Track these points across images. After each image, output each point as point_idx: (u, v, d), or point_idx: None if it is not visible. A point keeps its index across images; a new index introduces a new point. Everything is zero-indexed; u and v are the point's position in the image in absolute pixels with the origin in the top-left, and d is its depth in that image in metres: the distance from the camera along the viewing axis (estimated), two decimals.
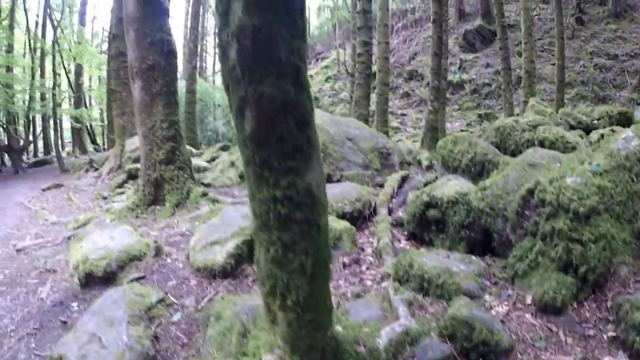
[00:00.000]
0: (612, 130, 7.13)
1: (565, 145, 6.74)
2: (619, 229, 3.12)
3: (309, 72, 29.06)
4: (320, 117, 7.63)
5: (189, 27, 17.08)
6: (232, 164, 9.96)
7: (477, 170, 5.71)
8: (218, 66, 34.06)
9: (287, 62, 1.70)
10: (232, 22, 1.66)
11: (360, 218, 5.45)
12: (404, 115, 20.58)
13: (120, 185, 8.93)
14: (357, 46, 13.57)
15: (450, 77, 20.27)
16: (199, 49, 23.47)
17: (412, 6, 28.88)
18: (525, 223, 3.65)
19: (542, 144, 6.89)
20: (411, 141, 18.66)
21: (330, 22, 33.62)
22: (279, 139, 1.78)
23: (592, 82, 17.68)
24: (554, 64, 19.63)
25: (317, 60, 29.73)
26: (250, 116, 1.76)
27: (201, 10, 21.89)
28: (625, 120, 8.70)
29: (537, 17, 22.90)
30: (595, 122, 8.95)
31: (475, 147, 6.02)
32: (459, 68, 21.02)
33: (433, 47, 11.87)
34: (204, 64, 32.46)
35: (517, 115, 13.03)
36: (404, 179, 6.88)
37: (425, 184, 6.10)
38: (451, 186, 4.84)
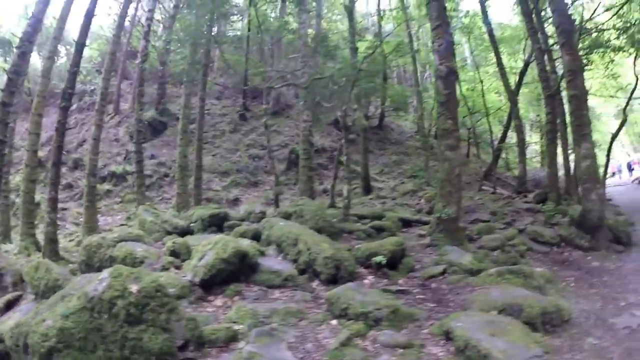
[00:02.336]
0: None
1: (134, 261, 6.79)
2: (84, 358, 3.50)
3: None
4: None
5: None
6: None
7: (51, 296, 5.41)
8: None
9: None
10: None
11: None
12: (65, 209, 17.87)
13: None
14: None
15: (114, 167, 18.72)
16: None
17: (92, 87, 26.39)
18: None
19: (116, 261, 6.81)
20: (68, 240, 16.14)
21: None
22: None
23: (246, 170, 18.66)
24: (214, 155, 20.22)
25: None
26: None
27: None
28: (218, 221, 8.57)
29: (207, 111, 23.74)
30: (192, 224, 8.49)
31: (50, 273, 6.07)
32: (124, 158, 19.67)
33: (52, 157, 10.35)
34: None
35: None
36: (11, 304, 6.48)
37: None
38: (12, 319, 4.90)
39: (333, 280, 5.83)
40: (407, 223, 10.88)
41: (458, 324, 4.25)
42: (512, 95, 16.94)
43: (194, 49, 16.38)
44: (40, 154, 19.41)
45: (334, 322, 4.54)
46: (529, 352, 3.76)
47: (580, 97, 9.61)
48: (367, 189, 16.16)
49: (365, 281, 6.32)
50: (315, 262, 5.93)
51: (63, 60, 28.84)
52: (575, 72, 9.71)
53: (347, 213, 9.08)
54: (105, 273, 4.04)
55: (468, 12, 18.41)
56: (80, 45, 10.46)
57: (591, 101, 29.06)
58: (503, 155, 22.80)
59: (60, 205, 18.17)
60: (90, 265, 7.12)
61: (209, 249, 5.67)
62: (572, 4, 16.11)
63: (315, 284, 5.91)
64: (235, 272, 5.64)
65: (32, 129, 14.12)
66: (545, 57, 15.35)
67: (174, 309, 4.07)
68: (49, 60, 14.24)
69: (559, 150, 15.70)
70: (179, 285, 5.44)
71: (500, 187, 17.80)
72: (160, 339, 3.75)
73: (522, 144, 16.79)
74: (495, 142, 21.13)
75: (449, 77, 8.79)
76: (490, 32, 17.49)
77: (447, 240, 8.15)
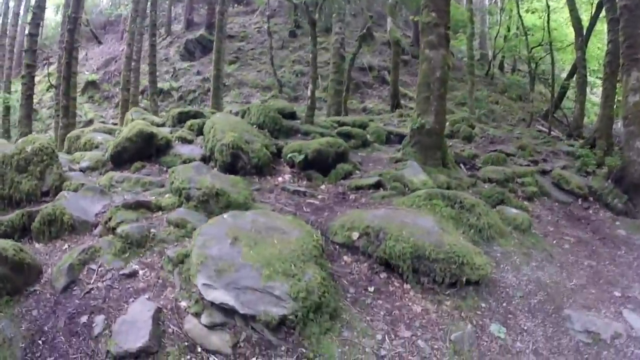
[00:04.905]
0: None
1: (92, 145, 7.88)
2: None
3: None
4: None
5: None
6: None
7: None
8: None
9: None
10: None
11: None
12: (115, 124, 20.03)
13: None
14: (23, 68, 13.44)
15: (161, 84, 20.36)
16: None
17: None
18: None
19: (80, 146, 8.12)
20: None
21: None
22: None
23: (288, 85, 19.20)
24: (259, 71, 21.02)
25: (45, 65, 27.17)
26: None
27: None
28: (187, 118, 9.13)
29: (257, 29, 24.40)
30: (167, 121, 9.36)
31: None
32: (172, 76, 21.24)
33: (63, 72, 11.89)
34: None
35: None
36: None
37: None
38: None
39: (231, 169, 6.07)
40: (402, 138, 10.70)
41: (226, 215, 3.93)
42: (578, 22, 15.07)
43: None
44: (95, 76, 21.82)
45: (167, 195, 4.98)
46: (239, 272, 3.15)
47: (633, 10, 7.87)
48: (395, 106, 16.10)
49: (279, 178, 6.33)
50: (214, 148, 6.34)
51: None
52: None
53: (310, 114, 9.30)
54: (20, 140, 5.48)
55: None
56: None
57: None
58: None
59: (112, 121, 20.54)
60: (69, 153, 8.20)
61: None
62: None
63: (214, 170, 6.02)
64: (142, 152, 6.47)
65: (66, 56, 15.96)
66: None
67: (48, 165, 5.29)
68: None
69: None
70: (94, 159, 6.49)
71: (557, 130, 16.40)
72: (31, 184, 5.08)
73: (582, 81, 14.89)
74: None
75: None
76: None
77: (419, 157, 7.31)
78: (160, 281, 3.50)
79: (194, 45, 23.05)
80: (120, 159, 6.39)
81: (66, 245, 4.03)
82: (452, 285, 3.77)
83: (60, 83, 14.07)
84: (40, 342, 2.88)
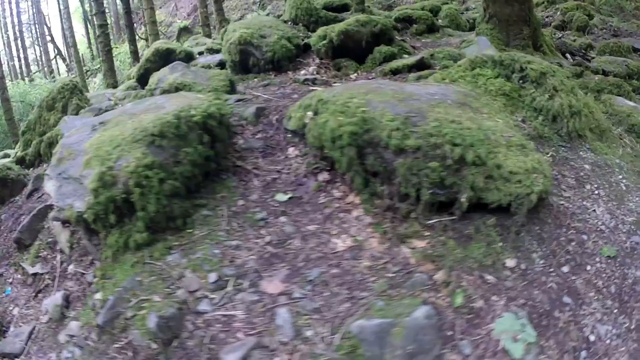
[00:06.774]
0: None
1: None
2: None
3: None
4: None
5: None
6: None
7: None
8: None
9: None
10: None
11: None
12: None
13: None
14: (97, 29, 14.11)
15: (250, 15, 20.68)
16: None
17: None
18: None
19: None
20: None
21: None
22: None
23: None
24: None
25: (142, 24, 28.95)
26: None
27: None
28: None
29: None
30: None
31: None
32: (259, 6, 21.43)
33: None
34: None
35: None
36: None
37: None
38: None
39: (243, 69, 5.72)
40: None
41: (131, 103, 3.87)
42: None
43: None
44: (186, 22, 23.16)
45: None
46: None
47: None
48: None
49: (302, 72, 5.72)
50: (225, 50, 6.12)
51: None
52: None
53: (359, 1, 8.27)
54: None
55: None
56: None
57: None
58: None
59: None
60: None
61: None
62: None
63: (194, 68, 5.62)
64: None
65: (145, 5, 16.45)
66: None
67: (69, 99, 5.72)
68: None
69: None
70: (127, 87, 6.97)
71: None
72: (56, 117, 5.46)
73: None
74: None
75: None
76: None
77: (498, 36, 5.85)
78: None
79: None
80: (145, 80, 6.63)
81: None
82: (447, 206, 2.21)
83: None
84: None
